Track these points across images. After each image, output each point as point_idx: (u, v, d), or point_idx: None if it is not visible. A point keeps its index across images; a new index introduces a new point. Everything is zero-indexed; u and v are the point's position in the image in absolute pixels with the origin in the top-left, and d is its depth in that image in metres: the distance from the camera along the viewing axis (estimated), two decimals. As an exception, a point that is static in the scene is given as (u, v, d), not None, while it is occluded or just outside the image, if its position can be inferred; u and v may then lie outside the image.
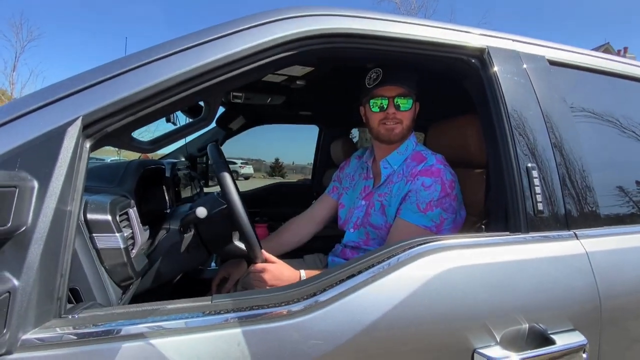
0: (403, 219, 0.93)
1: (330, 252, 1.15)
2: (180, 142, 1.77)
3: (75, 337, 0.41)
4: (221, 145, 1.98)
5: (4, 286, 0.37)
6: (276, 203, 2.18)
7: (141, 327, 0.43)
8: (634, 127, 0.91)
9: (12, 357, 0.38)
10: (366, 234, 1.02)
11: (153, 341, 0.42)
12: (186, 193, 1.47)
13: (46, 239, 0.42)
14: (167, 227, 0.81)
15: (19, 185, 0.40)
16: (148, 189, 0.94)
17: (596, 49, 21.47)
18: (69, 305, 0.48)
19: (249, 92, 1.37)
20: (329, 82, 1.31)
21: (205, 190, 1.86)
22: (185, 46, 0.57)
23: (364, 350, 0.48)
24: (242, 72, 0.62)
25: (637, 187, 0.84)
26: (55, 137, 0.45)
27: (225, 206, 0.74)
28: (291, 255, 1.26)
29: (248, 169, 14.59)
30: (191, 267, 0.90)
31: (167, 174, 1.05)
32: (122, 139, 0.58)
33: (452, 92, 1.15)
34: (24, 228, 0.41)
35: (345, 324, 0.49)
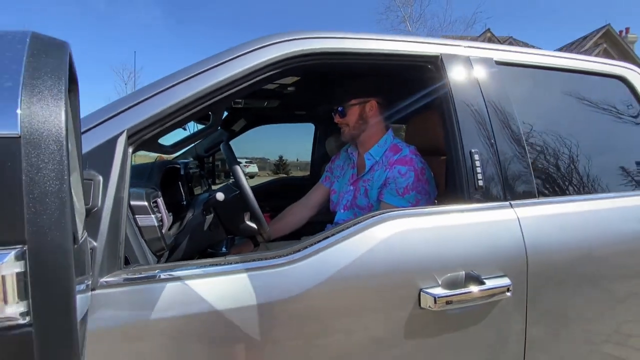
0: (386, 202, 1.12)
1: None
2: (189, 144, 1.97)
3: (133, 280, 0.61)
4: None
5: (89, 245, 0.57)
6: (277, 196, 2.38)
7: (176, 274, 0.62)
8: (564, 115, 1.09)
9: (96, 292, 0.58)
10: (354, 214, 1.22)
11: (187, 282, 0.61)
12: (197, 189, 1.68)
13: (110, 216, 0.61)
14: (193, 210, 1.01)
15: (93, 179, 0.60)
16: (168, 185, 1.14)
17: (597, 31, 21.05)
18: (126, 265, 0.68)
19: (248, 98, 1.56)
20: (316, 85, 1.50)
21: (213, 187, 2.07)
22: (199, 71, 0.76)
23: (334, 288, 0.67)
24: (242, 88, 0.80)
25: (562, 167, 1.02)
26: (110, 145, 0.65)
27: (238, 192, 0.93)
28: (291, 238, 1.46)
29: (253, 168, 14.83)
30: (212, 243, 1.10)
31: (182, 172, 1.25)
32: (152, 144, 0.77)
33: (421, 94, 1.33)
34: (96, 208, 0.60)
35: (321, 271, 0.68)
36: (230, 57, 0.79)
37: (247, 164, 14.97)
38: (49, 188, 0.30)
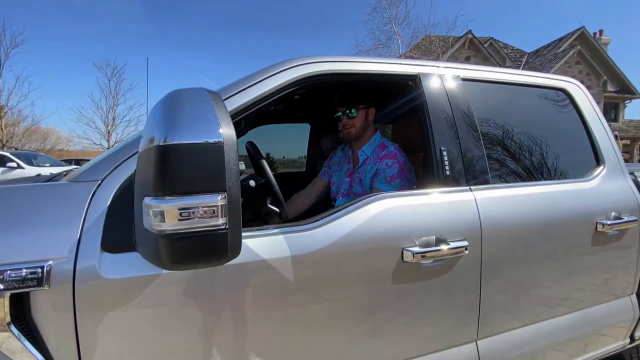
0: (377, 188, 1.40)
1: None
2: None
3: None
4: None
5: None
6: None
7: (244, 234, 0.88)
8: (514, 120, 1.39)
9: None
10: (351, 199, 1.50)
11: (248, 241, 0.87)
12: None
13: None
14: None
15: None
16: None
17: (573, 33, 21.81)
18: None
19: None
20: (317, 93, 1.76)
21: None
22: (238, 90, 1.01)
23: (341, 247, 0.95)
24: (269, 102, 1.06)
25: (510, 161, 1.32)
26: None
27: (263, 180, 1.19)
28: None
29: (240, 166, 15.06)
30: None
31: None
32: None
33: (404, 103, 1.63)
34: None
35: (331, 235, 0.95)
36: (259, 79, 1.05)
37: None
38: (234, 167, 0.60)
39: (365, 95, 1.51)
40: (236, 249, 0.63)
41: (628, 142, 21.00)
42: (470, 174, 1.20)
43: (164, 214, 0.56)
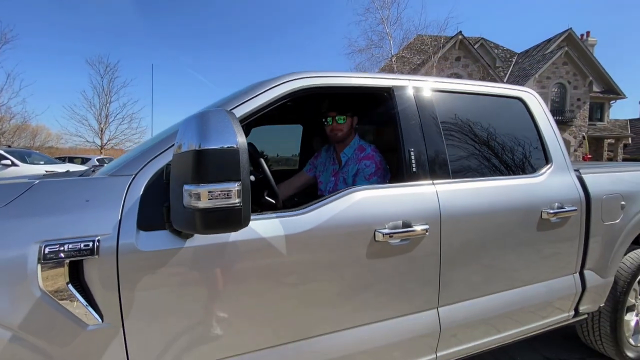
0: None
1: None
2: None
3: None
4: None
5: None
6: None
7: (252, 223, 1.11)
8: (473, 124, 1.64)
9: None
10: None
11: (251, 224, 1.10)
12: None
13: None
14: None
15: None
16: None
17: (560, 35, 22.22)
18: None
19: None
20: (309, 100, 2.00)
21: None
22: (239, 103, 1.24)
23: (324, 229, 1.18)
24: (265, 112, 1.29)
25: (468, 159, 1.57)
26: None
27: (262, 175, 1.42)
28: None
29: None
30: None
31: None
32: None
33: (381, 111, 1.87)
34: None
35: (317, 219, 1.19)
36: (259, 92, 1.28)
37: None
38: (246, 164, 0.84)
39: (351, 104, 1.76)
40: (246, 221, 0.89)
41: (612, 141, 21.61)
42: (433, 170, 1.45)
43: (199, 196, 0.82)
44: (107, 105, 22.05)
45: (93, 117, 21.82)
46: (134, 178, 1.05)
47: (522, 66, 20.89)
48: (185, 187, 0.84)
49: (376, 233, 1.25)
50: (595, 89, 20.32)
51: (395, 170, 1.67)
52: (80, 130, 22.36)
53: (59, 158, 15.07)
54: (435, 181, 1.44)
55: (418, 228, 1.30)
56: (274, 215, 1.15)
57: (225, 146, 0.80)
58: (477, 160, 1.60)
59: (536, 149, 1.79)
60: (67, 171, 3.00)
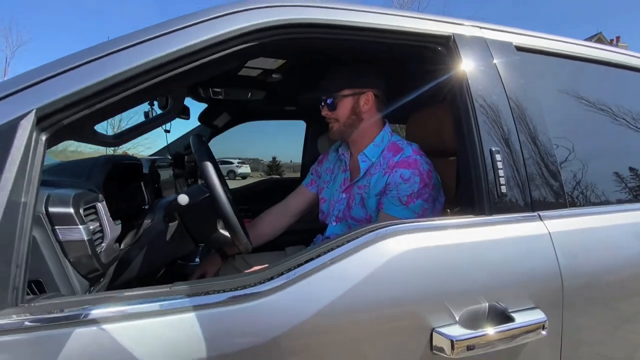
0: (387, 213, 0.93)
1: (311, 243, 1.16)
2: (163, 141, 1.77)
3: (29, 324, 0.42)
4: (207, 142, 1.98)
5: None
6: (265, 199, 2.19)
7: (96, 313, 0.44)
8: (602, 112, 0.92)
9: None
10: (348, 227, 1.03)
11: (106, 326, 0.43)
12: (171, 191, 1.48)
13: None
14: (152, 216, 0.82)
15: None
16: (124, 185, 0.95)
17: (589, 39, 21.51)
18: (30, 296, 0.49)
19: (229, 88, 1.38)
20: (307, 75, 1.31)
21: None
22: (143, 39, 0.57)
23: (318, 329, 0.49)
24: (204, 63, 0.62)
25: (602, 169, 0.85)
26: (6, 131, 0.46)
27: (208, 194, 0.75)
28: (273, 248, 1.27)
29: (245, 169, 14.66)
30: (177, 256, 0.91)
31: (145, 171, 1.06)
32: (83, 132, 0.59)
33: (429, 82, 1.16)
34: None
35: (301, 306, 0.50)
36: (191, 22, 0.61)
37: (240, 165, 14.76)
38: None
39: (356, 72, 1.01)
40: None
41: None
42: (537, 192, 0.74)
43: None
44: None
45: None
46: None
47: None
48: None
49: (434, 335, 0.55)
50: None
51: (454, 188, 0.96)
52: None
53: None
54: (542, 212, 0.73)
55: (526, 321, 0.59)
56: (186, 299, 0.47)
57: None
58: (613, 175, 0.88)
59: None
60: None
